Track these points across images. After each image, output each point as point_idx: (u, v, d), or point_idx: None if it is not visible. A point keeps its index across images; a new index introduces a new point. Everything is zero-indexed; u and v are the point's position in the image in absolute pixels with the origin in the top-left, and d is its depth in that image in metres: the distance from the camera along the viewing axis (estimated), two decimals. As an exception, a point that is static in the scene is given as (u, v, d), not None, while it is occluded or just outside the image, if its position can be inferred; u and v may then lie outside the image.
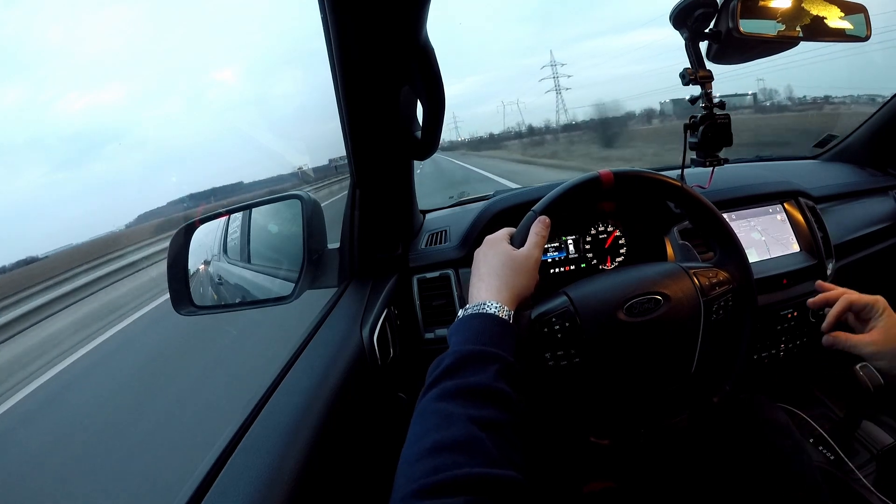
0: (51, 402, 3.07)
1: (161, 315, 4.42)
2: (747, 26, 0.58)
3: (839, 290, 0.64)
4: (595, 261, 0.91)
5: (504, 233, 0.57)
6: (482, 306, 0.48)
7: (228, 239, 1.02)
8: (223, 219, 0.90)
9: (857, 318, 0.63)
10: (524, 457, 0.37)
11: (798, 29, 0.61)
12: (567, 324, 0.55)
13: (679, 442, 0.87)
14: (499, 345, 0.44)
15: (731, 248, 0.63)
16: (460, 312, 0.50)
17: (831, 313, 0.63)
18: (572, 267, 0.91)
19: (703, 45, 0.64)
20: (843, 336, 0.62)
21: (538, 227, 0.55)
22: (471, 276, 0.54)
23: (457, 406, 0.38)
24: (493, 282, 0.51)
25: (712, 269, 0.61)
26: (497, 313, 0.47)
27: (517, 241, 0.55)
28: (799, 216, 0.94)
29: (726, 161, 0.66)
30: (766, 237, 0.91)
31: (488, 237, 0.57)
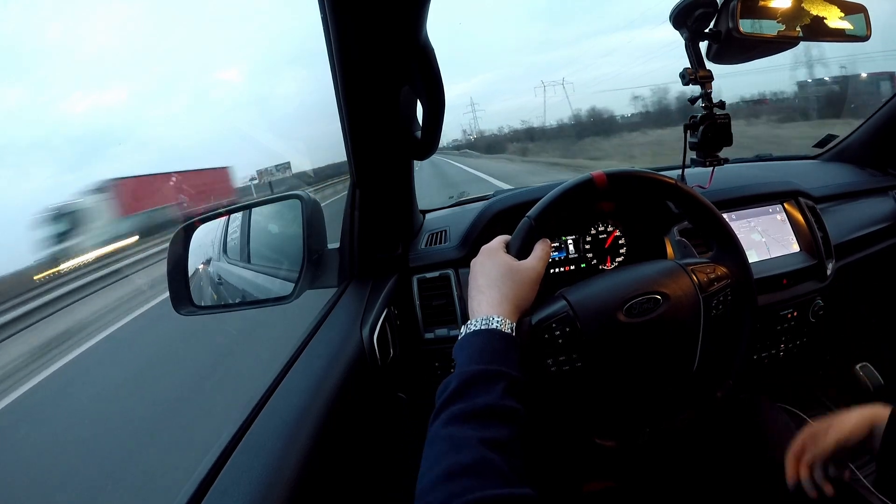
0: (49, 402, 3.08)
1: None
2: (747, 26, 0.58)
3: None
4: (595, 261, 0.91)
5: (499, 241, 0.57)
6: (483, 321, 0.48)
7: (228, 239, 1.02)
8: (223, 219, 0.90)
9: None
10: (536, 470, 0.38)
11: (798, 29, 0.61)
12: (567, 328, 0.55)
13: (681, 442, 0.87)
14: (503, 361, 0.44)
15: (728, 243, 0.63)
16: (463, 329, 0.49)
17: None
18: (572, 267, 0.91)
19: (703, 45, 0.64)
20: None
21: (543, 245, 0.55)
22: (469, 287, 0.54)
23: (466, 429, 0.38)
24: (493, 294, 0.50)
25: (710, 265, 0.61)
26: (499, 327, 0.47)
27: (513, 249, 0.55)
28: (799, 216, 0.94)
29: (726, 161, 0.66)
30: (766, 237, 0.91)
31: (484, 247, 0.57)
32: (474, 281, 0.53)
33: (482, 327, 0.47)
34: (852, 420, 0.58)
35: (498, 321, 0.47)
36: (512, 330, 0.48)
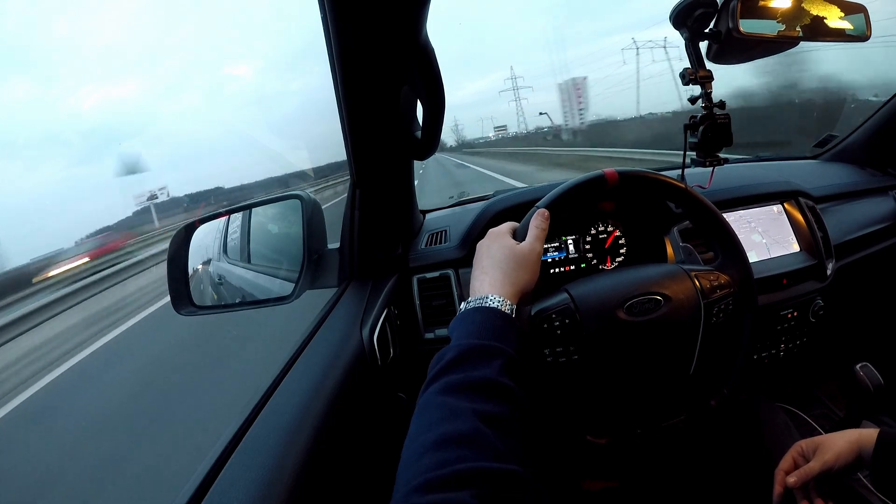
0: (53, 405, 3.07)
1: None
2: (747, 26, 0.58)
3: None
4: (595, 261, 0.91)
5: (507, 226, 0.57)
6: (484, 300, 0.48)
7: (228, 239, 1.02)
8: (223, 219, 0.90)
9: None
10: (528, 450, 0.37)
11: (798, 29, 0.61)
12: (567, 321, 0.55)
13: (679, 441, 0.88)
14: (502, 339, 0.44)
15: (733, 251, 0.63)
16: (462, 305, 0.50)
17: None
18: (572, 267, 0.91)
19: (703, 45, 0.64)
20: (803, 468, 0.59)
21: (538, 221, 0.55)
22: (473, 268, 0.54)
23: (461, 400, 0.37)
24: (496, 275, 0.50)
25: (713, 272, 0.61)
26: (500, 307, 0.47)
27: (520, 236, 0.55)
28: (799, 216, 0.94)
29: (726, 161, 0.66)
30: (766, 237, 0.91)
31: (492, 230, 0.57)
32: (478, 262, 0.54)
33: (482, 305, 0.47)
34: (839, 444, 0.58)
35: (499, 301, 0.47)
36: (512, 311, 0.48)
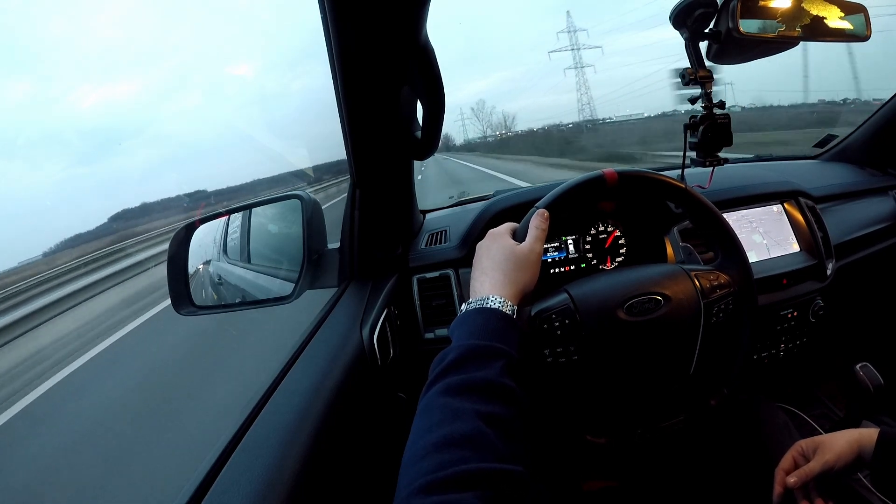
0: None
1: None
2: (747, 26, 0.58)
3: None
4: (595, 261, 0.91)
5: (507, 227, 0.57)
6: (485, 301, 0.48)
7: (228, 239, 1.02)
8: (223, 219, 0.90)
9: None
10: (529, 451, 0.37)
11: (798, 29, 0.61)
12: (567, 321, 0.56)
13: (679, 442, 0.88)
14: (503, 340, 0.44)
15: (733, 251, 0.63)
16: (463, 306, 0.50)
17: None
18: (572, 267, 0.91)
19: (703, 45, 0.64)
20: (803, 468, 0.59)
21: (537, 221, 0.55)
22: (472, 269, 0.54)
23: (463, 401, 0.38)
24: (496, 276, 0.51)
25: (713, 272, 0.61)
26: (500, 308, 0.47)
27: (520, 237, 0.55)
28: (799, 216, 0.94)
29: (726, 161, 0.66)
30: (766, 237, 0.91)
31: (491, 230, 0.57)
32: (478, 262, 0.54)
33: (483, 306, 0.47)
34: (839, 444, 0.58)
35: (499, 301, 0.48)
36: (513, 312, 0.48)
